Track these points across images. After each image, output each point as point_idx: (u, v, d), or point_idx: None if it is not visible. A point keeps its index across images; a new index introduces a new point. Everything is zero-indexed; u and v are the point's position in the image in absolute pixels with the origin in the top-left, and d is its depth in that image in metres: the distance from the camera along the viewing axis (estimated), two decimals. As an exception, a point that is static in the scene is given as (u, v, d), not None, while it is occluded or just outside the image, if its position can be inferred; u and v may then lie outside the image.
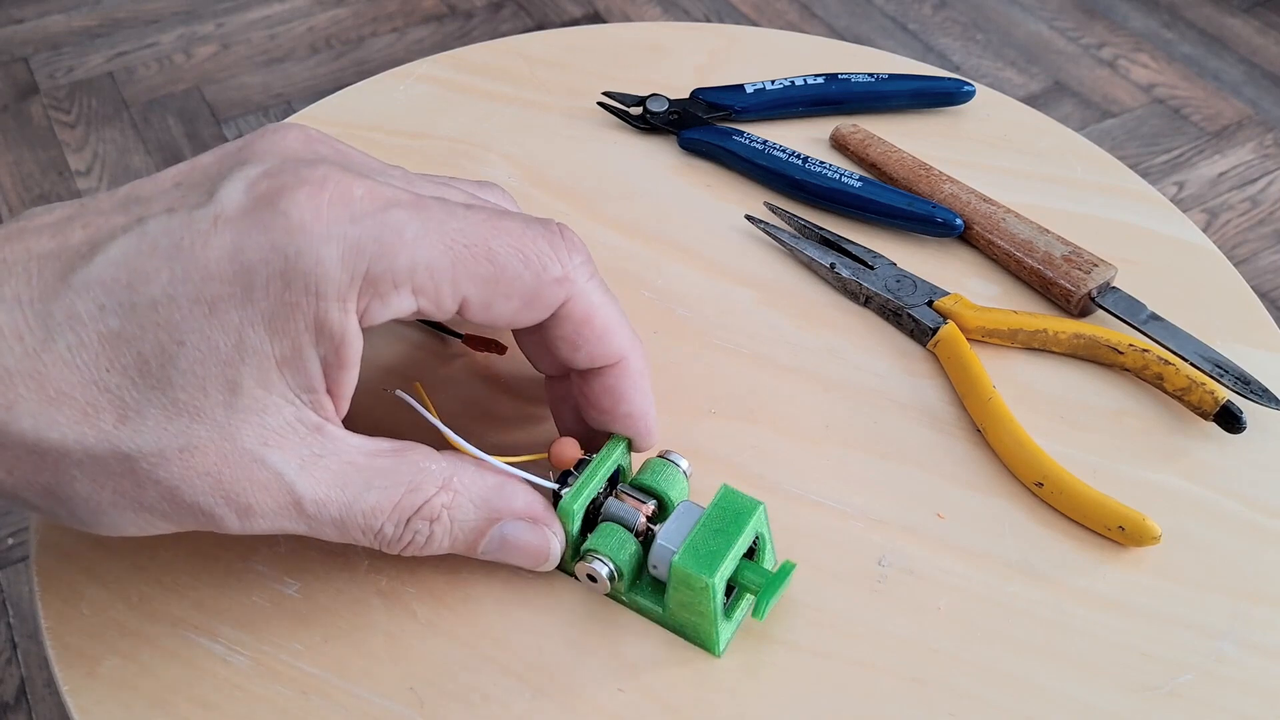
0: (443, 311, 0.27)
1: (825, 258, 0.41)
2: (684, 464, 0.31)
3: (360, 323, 0.26)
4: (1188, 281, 0.41)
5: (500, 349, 0.36)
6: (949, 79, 0.49)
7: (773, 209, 0.43)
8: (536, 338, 0.30)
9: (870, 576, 0.32)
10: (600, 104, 0.47)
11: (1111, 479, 0.35)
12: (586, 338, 0.29)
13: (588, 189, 0.44)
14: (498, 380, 0.36)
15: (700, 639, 0.29)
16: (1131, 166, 1.17)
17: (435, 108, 0.47)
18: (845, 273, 0.40)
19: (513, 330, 0.33)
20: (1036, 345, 0.38)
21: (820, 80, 0.48)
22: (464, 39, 1.44)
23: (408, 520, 0.27)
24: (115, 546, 0.31)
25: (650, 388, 0.31)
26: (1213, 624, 0.31)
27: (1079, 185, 0.45)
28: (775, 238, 0.42)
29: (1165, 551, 0.33)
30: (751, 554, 0.30)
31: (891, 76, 0.48)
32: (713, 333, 0.39)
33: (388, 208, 0.26)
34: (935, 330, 0.38)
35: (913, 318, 0.39)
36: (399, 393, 0.31)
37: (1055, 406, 0.37)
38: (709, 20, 1.50)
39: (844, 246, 0.41)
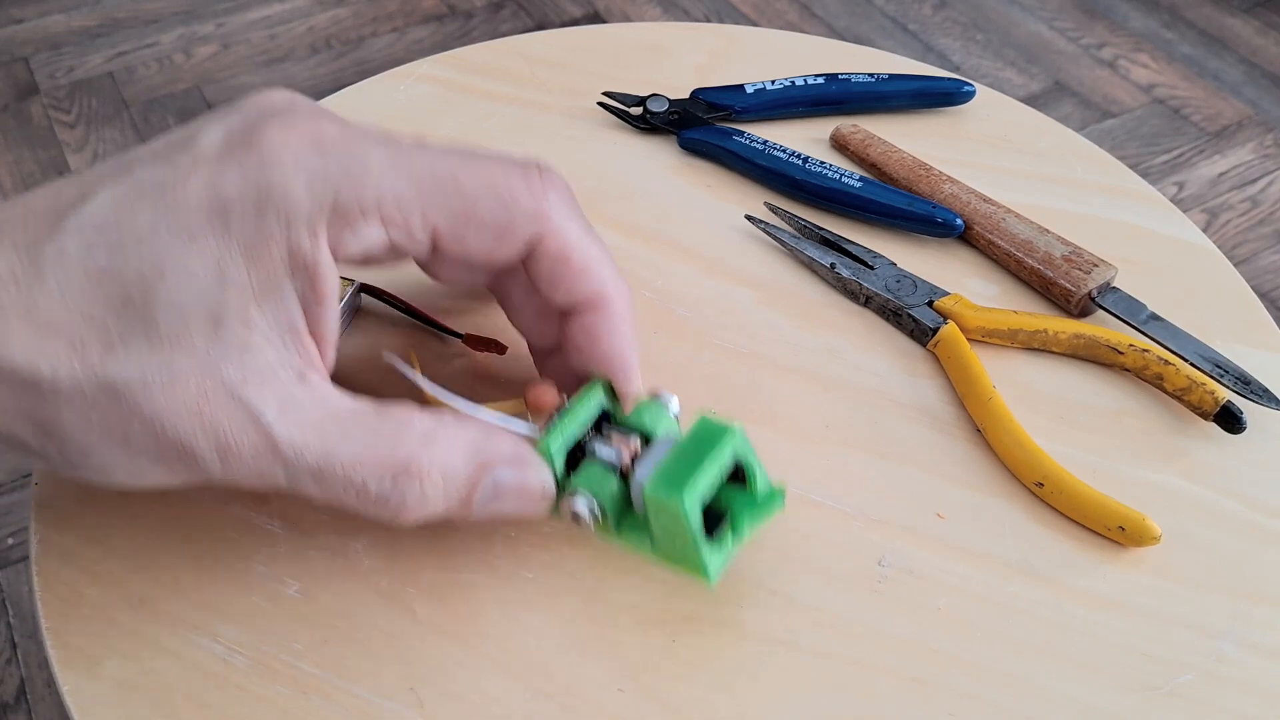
0: (415, 244, 0.27)
1: (825, 258, 0.41)
2: (674, 404, 0.31)
3: (335, 255, 0.26)
4: (1188, 281, 0.41)
5: (500, 349, 0.36)
6: (949, 79, 0.49)
7: (773, 209, 0.43)
8: (520, 289, 0.30)
9: (870, 576, 0.32)
10: (600, 104, 0.47)
11: (1111, 479, 0.35)
12: (563, 274, 0.29)
13: (588, 189, 0.44)
14: (497, 380, 0.36)
15: (690, 567, 0.29)
16: (1131, 166, 1.17)
17: (435, 108, 0.47)
18: (845, 273, 0.40)
19: (500, 295, 0.33)
20: (1036, 345, 0.38)
21: (820, 80, 0.48)
22: (464, 39, 1.44)
23: (393, 476, 0.27)
24: (115, 546, 0.31)
25: (633, 334, 0.30)
26: (1213, 624, 0.31)
27: (1079, 185, 0.45)
28: (775, 238, 0.42)
29: (1165, 551, 0.33)
30: (743, 482, 0.29)
31: (891, 76, 0.48)
32: (713, 333, 0.39)
33: (357, 141, 0.27)
34: (935, 330, 0.38)
35: (913, 318, 0.39)
36: (388, 355, 0.31)
37: (1055, 406, 0.37)
38: (709, 20, 1.50)
39: (844, 246, 0.41)
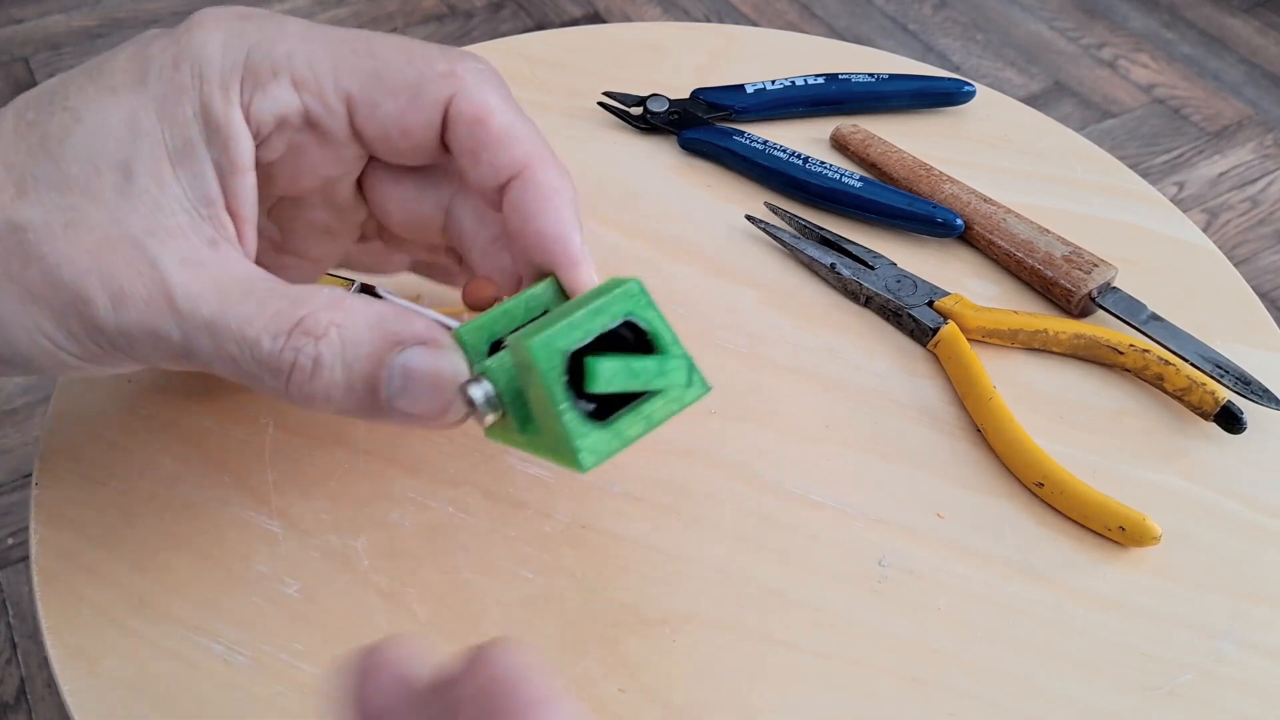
0: (330, 112, 0.27)
1: (825, 258, 0.41)
2: None
3: (248, 119, 0.26)
4: (1188, 281, 0.41)
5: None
6: (949, 79, 0.49)
7: (773, 209, 0.43)
8: (470, 213, 0.29)
9: (870, 576, 0.32)
10: (600, 104, 0.47)
11: (1111, 479, 0.35)
12: (482, 141, 0.27)
13: (588, 189, 0.44)
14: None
15: (562, 447, 0.24)
16: (1131, 166, 1.17)
17: (435, 108, 0.47)
18: (845, 273, 0.40)
19: (454, 236, 0.31)
20: (1037, 345, 0.38)
21: (820, 80, 0.48)
22: (464, 39, 1.44)
23: (288, 333, 0.25)
24: (115, 546, 0.31)
25: (574, 215, 0.27)
26: (1213, 624, 0.31)
27: (1079, 185, 0.45)
28: (775, 238, 0.42)
29: (1165, 551, 0.33)
30: (650, 350, 0.24)
31: (892, 76, 0.48)
32: (713, 333, 0.39)
33: (280, 15, 0.27)
34: (935, 330, 0.38)
35: (913, 318, 0.39)
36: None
37: (1055, 406, 0.37)
38: (709, 20, 1.50)
39: (844, 246, 0.41)
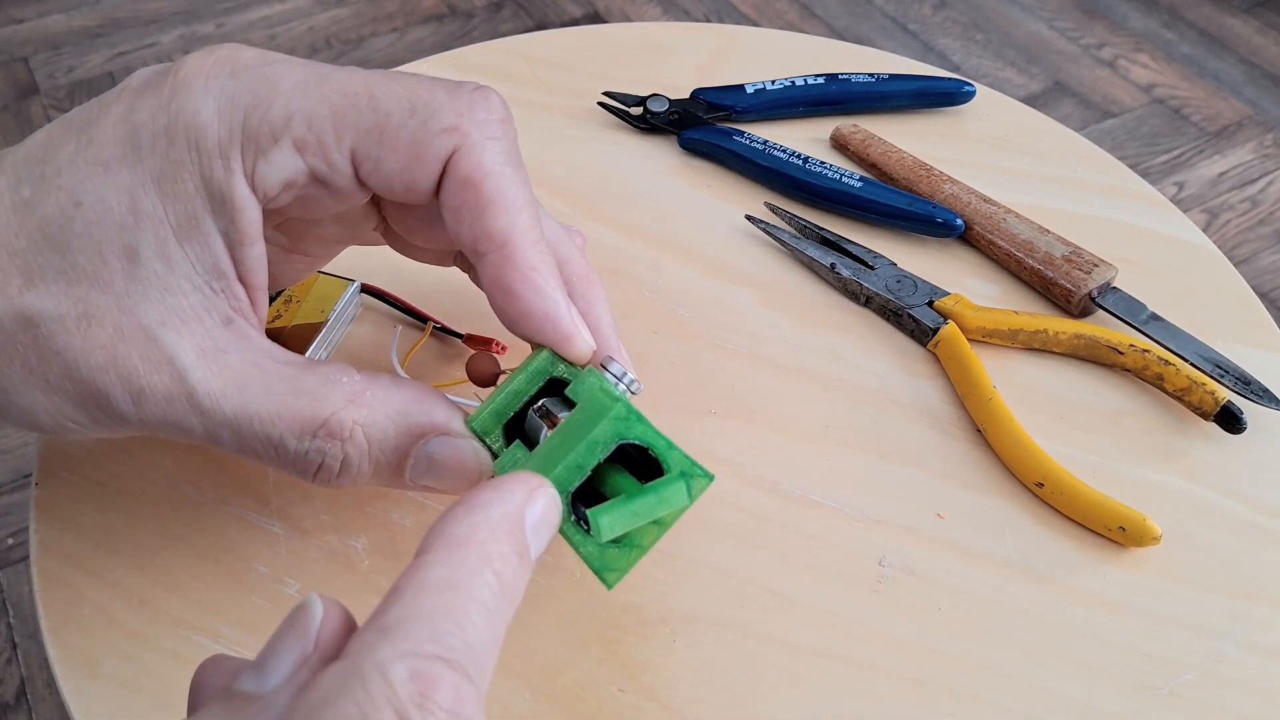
0: (335, 170, 0.26)
1: (825, 258, 0.41)
2: (618, 374, 0.27)
3: (253, 187, 0.25)
4: (1188, 281, 0.41)
5: (500, 349, 0.36)
6: (949, 79, 0.49)
7: (773, 209, 0.43)
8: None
9: (870, 576, 0.32)
10: (600, 104, 0.47)
11: (1111, 479, 0.35)
12: (468, 203, 0.26)
13: (588, 189, 0.44)
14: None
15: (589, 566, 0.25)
16: (1131, 166, 1.17)
17: (435, 108, 0.47)
18: (845, 273, 0.40)
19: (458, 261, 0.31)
20: (1037, 345, 0.38)
21: (820, 80, 0.48)
22: (464, 39, 1.44)
23: (313, 435, 0.25)
24: (115, 546, 0.31)
25: (557, 289, 0.27)
26: (1213, 624, 0.31)
27: (1079, 185, 0.45)
28: (775, 238, 0.42)
29: (1165, 551, 0.33)
30: (654, 468, 0.25)
31: (892, 77, 0.48)
32: (713, 333, 0.39)
33: (272, 64, 0.26)
34: (935, 330, 0.38)
35: (913, 318, 0.39)
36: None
37: (1055, 406, 0.37)
38: (709, 20, 1.50)
39: (844, 246, 0.41)
